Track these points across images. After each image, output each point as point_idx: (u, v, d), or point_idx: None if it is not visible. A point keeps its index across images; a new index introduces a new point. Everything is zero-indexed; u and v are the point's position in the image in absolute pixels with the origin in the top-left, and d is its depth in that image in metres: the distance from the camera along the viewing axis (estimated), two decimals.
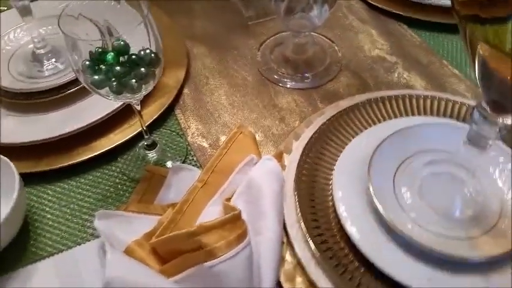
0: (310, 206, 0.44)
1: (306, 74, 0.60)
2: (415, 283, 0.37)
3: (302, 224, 0.42)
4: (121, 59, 0.41)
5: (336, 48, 0.62)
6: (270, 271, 0.37)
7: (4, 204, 0.42)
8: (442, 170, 0.43)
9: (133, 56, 0.41)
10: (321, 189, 0.45)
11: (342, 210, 0.42)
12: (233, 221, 0.35)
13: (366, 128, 0.49)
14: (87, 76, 0.41)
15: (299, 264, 0.41)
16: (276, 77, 0.60)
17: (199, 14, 0.70)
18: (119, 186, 0.49)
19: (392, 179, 0.43)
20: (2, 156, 0.44)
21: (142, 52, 0.41)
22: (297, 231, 0.42)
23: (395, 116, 0.49)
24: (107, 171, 0.50)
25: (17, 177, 0.43)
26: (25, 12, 0.52)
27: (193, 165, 0.50)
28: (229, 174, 0.46)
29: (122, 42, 0.42)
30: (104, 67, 0.41)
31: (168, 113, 0.56)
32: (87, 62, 0.41)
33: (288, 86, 0.59)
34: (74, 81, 0.53)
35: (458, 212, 0.42)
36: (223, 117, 0.55)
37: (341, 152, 0.47)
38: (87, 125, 0.50)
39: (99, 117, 0.51)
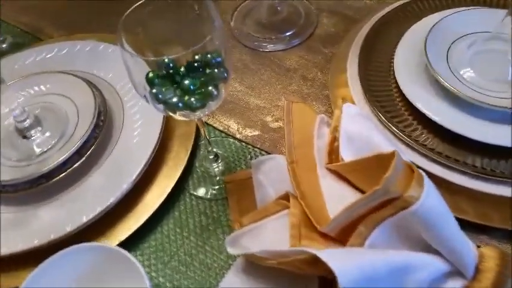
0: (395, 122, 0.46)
1: (289, 33, 0.59)
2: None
3: (401, 135, 0.44)
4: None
5: (304, 0, 0.63)
6: None
7: None
8: (484, 48, 0.47)
9: (197, 63, 0.36)
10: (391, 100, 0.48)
11: (419, 106, 0.45)
12: (402, 161, 0.34)
13: (400, 38, 0.50)
14: (160, 102, 0.36)
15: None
16: (265, 44, 0.58)
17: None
18: (208, 213, 0.44)
19: (446, 62, 0.47)
20: (122, 250, 0.36)
21: (208, 55, 0.37)
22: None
23: (423, 16, 0.52)
24: (183, 206, 0.45)
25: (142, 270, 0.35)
26: None
27: (263, 155, 0.48)
28: (311, 143, 0.45)
29: (166, 60, 0.37)
30: (164, 89, 0.36)
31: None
32: (154, 90, 0.36)
33: (281, 48, 0.58)
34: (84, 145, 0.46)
35: (506, 75, 0.46)
36: (252, 102, 0.53)
37: (392, 58, 0.49)
38: (140, 173, 0.44)
39: (147, 155, 0.45)
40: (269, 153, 0.48)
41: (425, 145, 0.43)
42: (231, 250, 0.39)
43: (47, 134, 0.47)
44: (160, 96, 0.36)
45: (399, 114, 0.46)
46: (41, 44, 0.59)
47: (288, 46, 0.58)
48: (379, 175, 0.36)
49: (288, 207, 0.41)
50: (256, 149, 0.49)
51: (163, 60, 0.36)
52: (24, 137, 0.47)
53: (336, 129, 0.45)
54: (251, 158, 0.48)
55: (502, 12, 0.44)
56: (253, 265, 0.40)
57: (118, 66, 0.51)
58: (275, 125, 0.50)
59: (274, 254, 0.35)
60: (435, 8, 0.53)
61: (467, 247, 0.34)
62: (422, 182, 0.33)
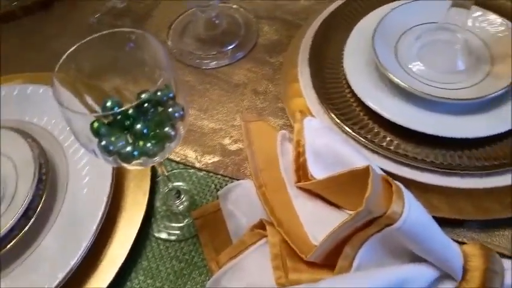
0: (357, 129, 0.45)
1: (231, 46, 0.57)
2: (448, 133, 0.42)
3: (365, 141, 0.43)
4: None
5: (242, 10, 0.60)
6: None
7: None
8: (431, 39, 0.48)
9: (147, 104, 0.33)
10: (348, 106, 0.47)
11: (374, 106, 0.44)
12: (378, 177, 0.33)
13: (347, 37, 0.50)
14: (112, 154, 0.32)
15: None
16: (207, 61, 0.55)
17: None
18: (180, 256, 0.41)
19: (395, 57, 0.47)
20: None
21: (157, 93, 0.33)
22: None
23: (366, 13, 0.51)
24: (151, 253, 0.42)
25: None
26: None
27: (229, 182, 0.45)
28: (277, 163, 0.43)
29: (109, 103, 0.34)
30: (114, 138, 0.33)
31: None
32: (104, 142, 0.32)
33: (225, 63, 0.55)
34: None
35: (455, 66, 0.46)
36: (206, 126, 0.50)
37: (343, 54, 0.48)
38: (97, 226, 0.40)
39: (102, 205, 0.41)
40: (234, 179, 0.45)
41: (390, 149, 0.43)
42: None
43: None
44: (111, 147, 0.32)
45: (359, 120, 0.45)
46: None
47: (232, 60, 0.55)
48: (355, 191, 0.35)
49: (265, 236, 0.39)
50: (219, 176, 0.46)
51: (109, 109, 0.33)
52: None
53: (298, 144, 0.43)
54: (216, 187, 0.45)
55: (447, 2, 0.44)
56: None
57: (52, 109, 0.47)
58: (234, 147, 0.48)
59: None
60: (377, 3, 0.52)
61: (453, 251, 0.34)
62: (402, 195, 0.32)
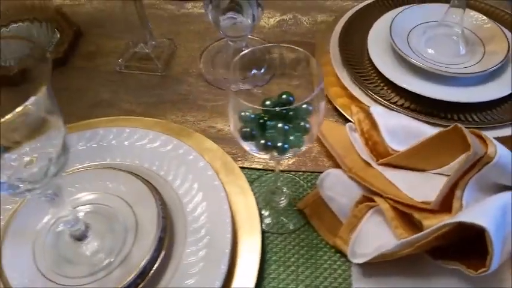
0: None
1: (262, 69, 0.64)
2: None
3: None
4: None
5: (257, 38, 0.68)
6: None
7: None
8: (434, 33, 0.60)
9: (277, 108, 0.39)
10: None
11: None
12: (472, 132, 0.42)
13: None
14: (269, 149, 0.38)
15: None
16: (244, 85, 0.62)
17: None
18: (300, 242, 0.47)
19: (409, 47, 0.59)
20: None
21: (282, 96, 0.40)
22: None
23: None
24: (278, 245, 0.46)
25: None
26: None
27: (316, 175, 0.51)
28: (353, 148, 0.51)
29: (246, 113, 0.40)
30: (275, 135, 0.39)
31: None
32: (263, 141, 0.38)
33: (261, 84, 0.62)
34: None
35: (458, 51, 0.60)
36: None
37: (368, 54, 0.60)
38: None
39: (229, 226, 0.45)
40: (316, 172, 0.52)
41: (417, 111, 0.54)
42: (356, 261, 0.43)
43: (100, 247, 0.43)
44: (269, 143, 0.38)
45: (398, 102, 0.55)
46: None
47: (266, 81, 0.62)
48: (443, 150, 0.45)
49: (371, 207, 0.46)
50: (301, 173, 0.52)
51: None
52: (82, 244, 0.43)
53: (362, 132, 0.52)
54: (304, 181, 0.51)
55: (445, 5, 0.57)
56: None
57: (130, 149, 0.51)
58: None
59: (411, 241, 0.40)
60: (379, 13, 0.64)
61: None
62: (490, 139, 0.42)
